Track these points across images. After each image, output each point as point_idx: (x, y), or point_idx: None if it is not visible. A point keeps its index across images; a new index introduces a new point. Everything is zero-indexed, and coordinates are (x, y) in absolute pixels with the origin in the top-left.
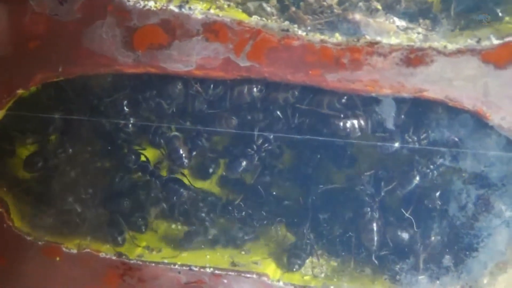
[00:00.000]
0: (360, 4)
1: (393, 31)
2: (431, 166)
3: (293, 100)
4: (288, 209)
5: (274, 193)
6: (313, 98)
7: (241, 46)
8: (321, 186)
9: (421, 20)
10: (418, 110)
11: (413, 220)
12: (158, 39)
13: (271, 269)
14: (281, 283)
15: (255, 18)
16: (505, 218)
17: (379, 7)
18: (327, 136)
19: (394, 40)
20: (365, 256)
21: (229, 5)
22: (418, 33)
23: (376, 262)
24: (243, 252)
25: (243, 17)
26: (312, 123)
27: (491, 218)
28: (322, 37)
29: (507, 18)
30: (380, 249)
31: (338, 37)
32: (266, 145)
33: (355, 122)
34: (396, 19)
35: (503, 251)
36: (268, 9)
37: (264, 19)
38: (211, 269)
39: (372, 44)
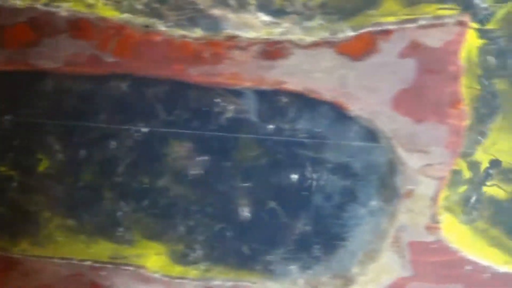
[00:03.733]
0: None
1: (256, 26)
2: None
3: (164, 95)
4: (160, 199)
5: (145, 184)
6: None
7: (106, 43)
8: (189, 177)
9: (288, 15)
10: (280, 102)
11: (280, 210)
12: (27, 36)
13: (151, 261)
14: (158, 275)
15: (124, 15)
16: (370, 207)
17: (253, 2)
18: (200, 123)
19: (252, 34)
20: (238, 247)
21: (105, 4)
22: (284, 27)
23: (249, 253)
24: (125, 245)
25: (109, 14)
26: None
27: (356, 207)
28: (183, 32)
29: (368, 11)
30: (252, 240)
31: (198, 32)
32: (137, 134)
33: (232, 103)
34: (261, 14)
35: (370, 240)
36: (138, 6)
37: (133, 15)
38: (90, 262)
39: (231, 38)
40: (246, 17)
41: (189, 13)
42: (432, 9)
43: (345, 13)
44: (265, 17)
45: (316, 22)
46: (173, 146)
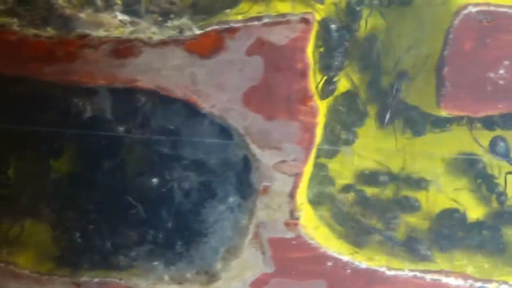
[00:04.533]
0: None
1: (111, 25)
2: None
3: (25, 94)
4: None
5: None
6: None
7: None
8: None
9: (150, 15)
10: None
11: (140, 207)
12: None
13: (23, 258)
14: (27, 271)
15: None
16: (229, 204)
17: (119, 2)
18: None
19: (102, 33)
20: (103, 244)
21: None
22: (138, 27)
23: (112, 250)
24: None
25: None
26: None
27: (215, 204)
28: (36, 31)
29: (227, 10)
30: (114, 236)
31: (50, 31)
32: None
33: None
34: (118, 13)
35: (231, 236)
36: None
37: None
38: None
39: (82, 36)
40: (101, 16)
41: (43, 12)
42: (286, 7)
43: (212, 13)
44: (123, 17)
45: (181, 21)
46: (36, 144)
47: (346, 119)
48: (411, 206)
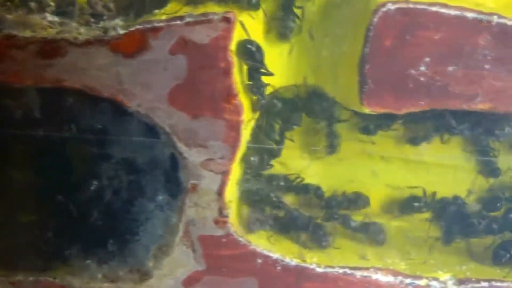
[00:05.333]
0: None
1: (41, 26)
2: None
3: None
4: None
5: None
6: None
7: None
8: None
9: (82, 16)
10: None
11: (70, 206)
12: None
13: None
14: None
15: None
16: (158, 202)
17: (52, 4)
18: None
19: (28, 34)
20: (35, 242)
21: None
22: (76, 28)
23: (45, 247)
24: None
25: None
26: None
27: (145, 202)
28: None
29: (156, 11)
30: (46, 235)
31: None
32: None
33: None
34: (48, 15)
35: (162, 234)
36: None
37: None
38: None
39: (9, 37)
40: (29, 17)
41: None
42: (219, 9)
43: (145, 14)
44: (53, 18)
45: (114, 22)
46: None
47: (281, 117)
48: (363, 201)
